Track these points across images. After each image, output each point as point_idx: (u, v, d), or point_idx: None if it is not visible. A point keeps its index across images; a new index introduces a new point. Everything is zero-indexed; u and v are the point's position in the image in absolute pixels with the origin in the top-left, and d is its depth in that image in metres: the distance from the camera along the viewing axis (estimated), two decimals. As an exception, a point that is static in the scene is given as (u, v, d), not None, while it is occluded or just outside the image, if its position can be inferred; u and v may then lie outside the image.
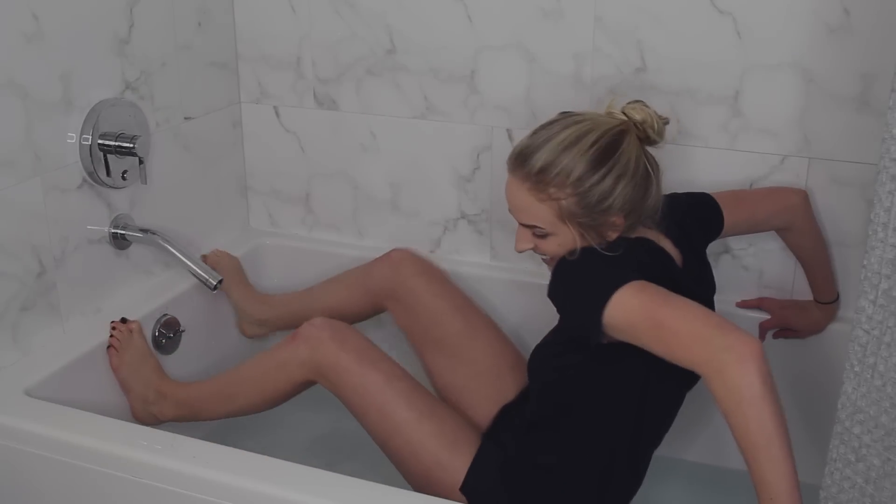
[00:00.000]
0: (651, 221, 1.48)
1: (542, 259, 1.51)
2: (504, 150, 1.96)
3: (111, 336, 1.73)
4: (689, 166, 1.84)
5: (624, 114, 1.46)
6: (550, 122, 1.47)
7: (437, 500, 1.29)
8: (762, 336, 1.83)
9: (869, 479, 1.14)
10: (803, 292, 1.84)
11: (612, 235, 1.43)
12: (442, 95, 1.98)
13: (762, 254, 1.85)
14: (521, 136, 1.92)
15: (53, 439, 1.45)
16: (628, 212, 1.42)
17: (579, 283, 1.40)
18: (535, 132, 1.46)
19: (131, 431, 1.45)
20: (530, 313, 1.99)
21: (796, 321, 1.81)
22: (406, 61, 1.99)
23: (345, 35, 2.02)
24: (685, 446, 1.93)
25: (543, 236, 1.45)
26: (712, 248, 1.87)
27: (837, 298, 1.79)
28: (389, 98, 2.03)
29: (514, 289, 2.00)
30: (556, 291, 1.42)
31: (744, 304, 1.85)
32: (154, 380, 1.73)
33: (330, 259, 2.15)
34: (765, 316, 1.84)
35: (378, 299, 1.86)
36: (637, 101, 1.48)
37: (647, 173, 1.43)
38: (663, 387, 1.47)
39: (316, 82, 2.09)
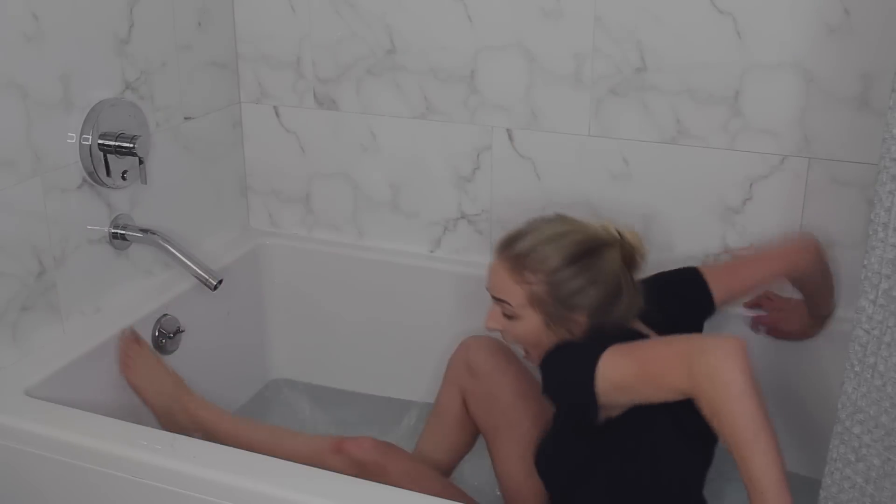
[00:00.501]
0: (622, 322, 1.50)
1: (521, 355, 1.58)
2: (504, 150, 1.97)
3: (122, 352, 1.72)
4: (689, 166, 1.84)
5: (618, 232, 1.51)
6: (545, 219, 1.55)
7: (438, 501, 1.29)
8: (755, 327, 1.83)
9: (869, 479, 1.14)
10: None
11: (576, 333, 1.48)
12: (442, 95, 1.98)
13: (762, 254, 1.85)
14: (521, 135, 1.94)
15: (53, 439, 1.45)
16: (593, 314, 1.47)
17: (564, 367, 1.42)
18: (528, 223, 1.55)
19: (131, 431, 1.45)
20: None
21: (788, 325, 1.80)
22: (406, 61, 1.99)
23: (345, 35, 2.02)
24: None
25: (511, 317, 1.51)
26: (711, 249, 1.88)
27: (834, 310, 1.79)
28: (389, 98, 2.03)
29: (514, 289, 2.00)
30: (549, 385, 1.43)
31: (747, 305, 1.84)
32: (182, 399, 1.71)
33: (330, 259, 2.15)
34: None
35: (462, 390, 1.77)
36: (634, 232, 1.53)
37: (619, 288, 1.48)
38: (675, 451, 1.46)
39: (316, 82, 2.09)
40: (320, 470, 1.37)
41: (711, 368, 1.24)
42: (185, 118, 1.98)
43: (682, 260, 1.89)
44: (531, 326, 1.49)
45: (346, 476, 1.38)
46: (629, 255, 1.50)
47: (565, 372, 1.41)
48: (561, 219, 1.55)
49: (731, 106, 1.78)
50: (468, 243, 2.07)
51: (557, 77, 1.88)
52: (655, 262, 1.91)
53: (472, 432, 1.76)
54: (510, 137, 1.96)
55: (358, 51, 2.02)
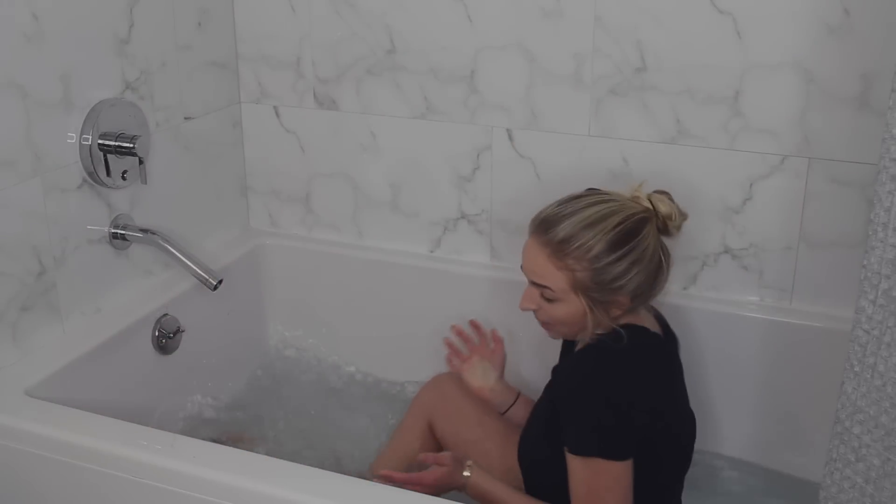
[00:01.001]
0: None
1: (541, 322, 1.57)
2: (504, 150, 1.96)
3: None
4: (689, 166, 1.84)
5: (650, 202, 1.52)
6: (578, 197, 1.53)
7: (436, 500, 1.29)
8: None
9: (869, 479, 1.14)
10: (803, 293, 1.84)
11: (616, 313, 1.49)
12: (442, 95, 1.98)
13: (762, 254, 1.85)
14: (521, 135, 1.94)
15: (53, 439, 1.45)
16: (636, 295, 1.48)
17: (601, 422, 1.43)
18: (561, 202, 1.52)
19: (131, 431, 1.45)
20: (530, 313, 1.99)
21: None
22: (406, 61, 1.99)
23: (345, 35, 2.02)
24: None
25: (552, 300, 1.51)
26: (711, 250, 1.88)
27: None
28: (389, 98, 2.03)
29: (514, 289, 1.99)
30: (579, 412, 1.46)
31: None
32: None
33: (330, 259, 2.15)
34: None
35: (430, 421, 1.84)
36: (664, 193, 1.54)
37: (660, 263, 1.50)
38: (657, 460, 1.51)
39: (316, 82, 2.09)
40: (320, 470, 1.37)
41: None
42: (185, 118, 1.98)
43: (682, 260, 1.90)
44: (572, 309, 1.49)
45: (346, 476, 1.38)
46: (664, 225, 1.51)
47: (591, 417, 1.44)
48: (595, 195, 1.53)
49: (731, 106, 1.78)
50: (468, 243, 2.07)
51: (557, 77, 1.88)
52: (655, 262, 1.91)
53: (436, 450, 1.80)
54: (510, 137, 1.96)
55: (358, 51, 2.02)
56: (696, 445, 1.92)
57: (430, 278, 2.07)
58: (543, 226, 1.50)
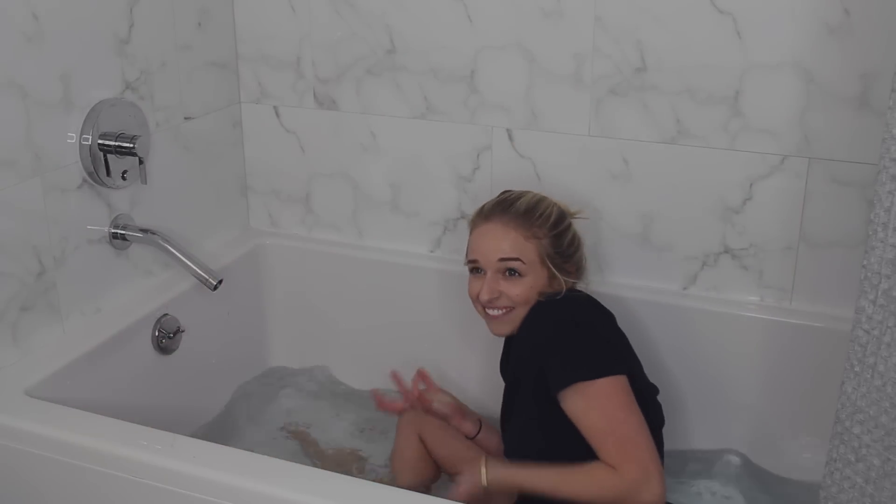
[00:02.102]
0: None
1: (492, 313, 1.61)
2: (504, 150, 1.96)
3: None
4: (689, 166, 1.84)
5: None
6: (507, 191, 1.69)
7: (435, 500, 1.29)
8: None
9: (869, 479, 1.14)
10: (803, 293, 1.84)
11: (567, 284, 1.62)
12: (442, 95, 1.98)
13: (762, 254, 1.85)
14: (521, 135, 1.94)
15: (53, 439, 1.45)
16: (578, 267, 1.66)
17: (566, 347, 1.51)
18: (500, 195, 1.68)
19: (131, 431, 1.45)
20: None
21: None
22: (406, 61, 1.99)
23: (345, 35, 2.02)
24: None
25: (517, 275, 1.58)
26: (711, 249, 1.88)
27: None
28: (389, 98, 2.03)
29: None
30: (556, 344, 1.52)
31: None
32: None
33: (330, 259, 2.15)
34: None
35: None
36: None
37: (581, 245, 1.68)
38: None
39: (316, 82, 2.09)
40: (320, 470, 1.37)
41: (634, 488, 1.39)
42: (185, 118, 1.98)
43: (682, 260, 1.90)
44: (535, 282, 1.59)
45: (346, 476, 1.38)
46: None
47: (570, 350, 1.51)
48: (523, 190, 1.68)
49: (731, 106, 1.78)
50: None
51: (557, 77, 1.88)
52: (656, 263, 1.92)
53: (434, 464, 1.83)
54: (510, 137, 1.96)
55: (358, 51, 2.02)
56: (696, 445, 1.93)
57: (430, 278, 2.07)
58: (501, 207, 1.62)
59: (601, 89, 1.85)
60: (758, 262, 1.86)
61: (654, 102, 1.83)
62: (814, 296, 1.84)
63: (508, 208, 1.61)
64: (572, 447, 1.46)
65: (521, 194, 1.65)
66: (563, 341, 1.52)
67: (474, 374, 2.03)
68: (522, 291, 1.58)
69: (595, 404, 1.45)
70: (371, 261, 2.12)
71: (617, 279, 1.96)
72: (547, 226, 1.60)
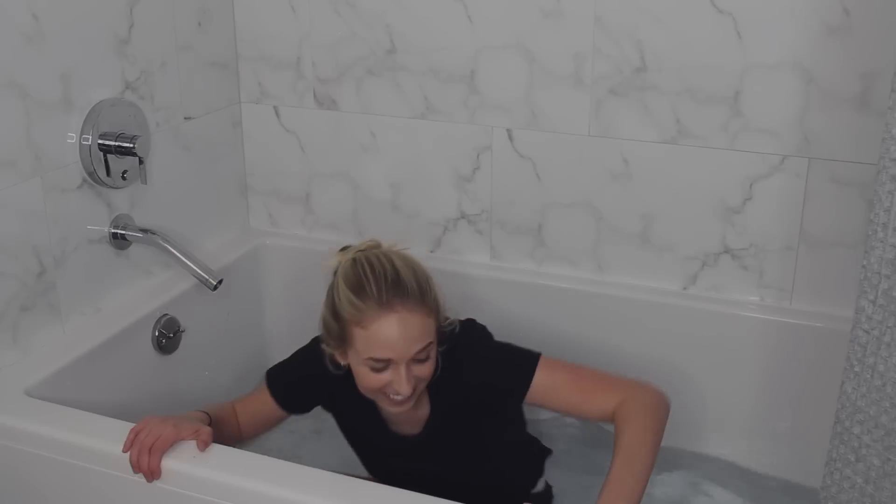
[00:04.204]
0: None
1: (397, 398, 1.44)
2: (504, 150, 1.96)
3: None
4: (689, 166, 1.84)
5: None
6: (373, 254, 1.47)
7: (434, 500, 1.29)
8: None
9: (869, 479, 1.14)
10: (803, 293, 1.84)
11: (447, 322, 1.51)
12: (442, 95, 1.98)
13: (762, 254, 1.85)
14: (521, 135, 1.94)
15: (53, 439, 1.45)
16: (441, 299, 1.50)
17: (505, 351, 1.54)
18: (367, 266, 1.44)
19: (131, 431, 1.45)
20: (530, 313, 1.99)
21: None
22: (406, 61, 1.99)
23: (345, 35, 2.02)
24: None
25: (426, 359, 1.44)
26: (711, 249, 1.88)
27: None
28: (389, 98, 2.03)
29: (514, 289, 2.00)
30: (489, 357, 1.53)
31: None
32: None
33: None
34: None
35: None
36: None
37: None
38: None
39: (316, 82, 2.09)
40: (320, 470, 1.37)
41: (643, 392, 1.46)
42: (185, 118, 1.98)
43: (682, 260, 1.90)
44: (434, 356, 1.46)
45: (346, 476, 1.38)
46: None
47: (508, 354, 1.53)
48: (375, 247, 1.50)
49: (731, 106, 1.78)
50: (468, 243, 2.07)
51: (557, 77, 1.88)
52: (656, 263, 1.92)
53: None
54: (510, 137, 1.96)
55: (358, 51, 2.02)
56: (696, 445, 1.93)
57: (430, 278, 2.07)
58: (396, 290, 1.40)
59: (601, 89, 1.85)
60: (758, 262, 1.86)
61: (654, 102, 1.83)
62: (814, 296, 1.84)
63: (402, 290, 1.40)
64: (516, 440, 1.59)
65: (389, 264, 1.43)
66: (500, 348, 1.54)
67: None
68: (431, 366, 1.45)
69: (558, 376, 1.51)
70: (371, 261, 2.12)
71: (617, 279, 1.96)
72: (433, 290, 1.45)
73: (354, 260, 1.46)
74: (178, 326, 1.90)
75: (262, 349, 2.23)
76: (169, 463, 1.37)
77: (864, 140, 1.70)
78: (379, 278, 1.41)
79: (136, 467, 1.36)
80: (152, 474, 1.35)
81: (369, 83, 2.04)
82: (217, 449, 1.41)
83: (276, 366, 1.69)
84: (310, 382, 1.62)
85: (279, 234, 2.24)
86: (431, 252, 2.11)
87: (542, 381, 1.50)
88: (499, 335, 2.00)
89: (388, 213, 2.12)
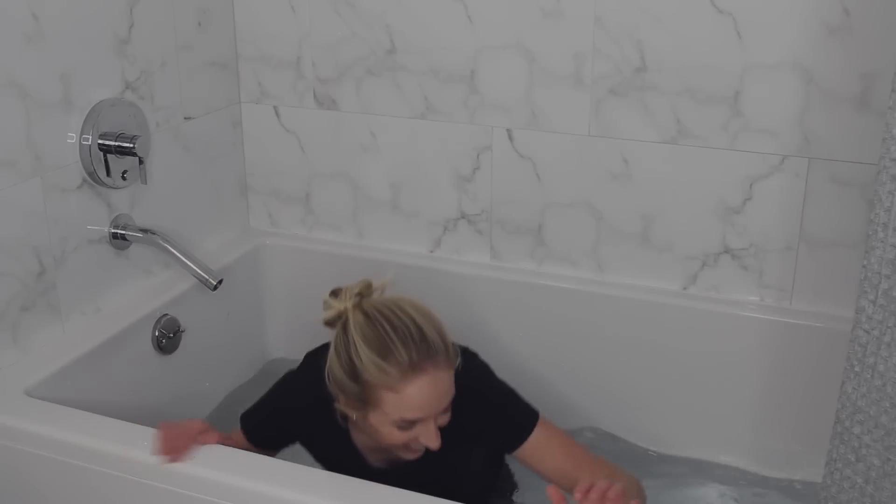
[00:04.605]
0: None
1: (414, 447, 1.42)
2: (504, 150, 1.96)
3: None
4: (689, 166, 1.84)
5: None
6: (387, 320, 1.39)
7: (434, 500, 1.29)
8: None
9: (869, 479, 1.14)
10: (803, 293, 1.84)
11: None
12: (442, 95, 1.98)
13: (762, 254, 1.85)
14: (521, 135, 1.94)
15: (53, 439, 1.45)
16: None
17: (505, 407, 1.52)
18: (395, 331, 1.37)
19: (131, 431, 1.45)
20: (530, 313, 1.99)
21: None
22: (406, 61, 1.99)
23: (345, 35, 2.02)
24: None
25: (448, 409, 1.42)
26: (711, 249, 1.88)
27: None
28: (389, 98, 2.03)
29: (514, 289, 2.00)
30: (485, 417, 1.49)
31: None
32: None
33: (330, 259, 2.15)
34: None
35: None
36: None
37: None
38: None
39: (316, 82, 2.09)
40: (320, 470, 1.37)
41: (637, 484, 1.47)
42: (185, 118, 1.98)
43: (682, 260, 1.90)
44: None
45: (346, 476, 1.38)
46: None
47: (510, 409, 1.52)
48: (368, 288, 1.47)
49: (731, 106, 1.78)
50: (468, 243, 2.07)
51: (557, 77, 1.88)
52: (656, 263, 1.92)
53: None
54: (510, 137, 1.96)
55: (358, 51, 2.02)
56: (696, 445, 1.93)
57: (430, 278, 2.07)
58: (424, 352, 1.36)
59: (601, 89, 1.85)
60: (758, 262, 1.86)
61: (654, 102, 1.83)
62: (814, 296, 1.84)
63: (431, 350, 1.36)
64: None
65: (409, 320, 1.38)
66: (497, 406, 1.51)
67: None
68: (450, 412, 1.42)
69: (555, 438, 1.49)
70: (371, 261, 2.12)
71: (617, 279, 1.96)
72: (450, 338, 1.41)
73: (368, 316, 1.39)
74: (178, 326, 1.90)
75: (262, 349, 2.23)
76: (169, 463, 1.38)
77: (864, 140, 1.70)
78: (406, 340, 1.36)
79: (165, 451, 1.37)
80: (176, 452, 1.37)
81: (369, 83, 2.04)
82: (217, 449, 1.41)
83: (249, 408, 1.62)
84: (282, 419, 1.57)
85: (279, 234, 2.24)
86: (431, 252, 2.11)
87: (537, 441, 1.48)
88: (499, 335, 2.01)
89: (388, 213, 2.12)
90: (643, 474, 1.89)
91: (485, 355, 2.04)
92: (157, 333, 1.86)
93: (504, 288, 2.01)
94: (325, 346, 1.51)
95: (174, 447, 1.38)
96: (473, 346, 2.03)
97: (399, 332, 1.37)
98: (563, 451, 1.49)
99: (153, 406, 1.83)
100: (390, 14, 1.96)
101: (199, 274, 1.81)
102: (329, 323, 1.45)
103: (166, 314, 1.88)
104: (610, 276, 1.97)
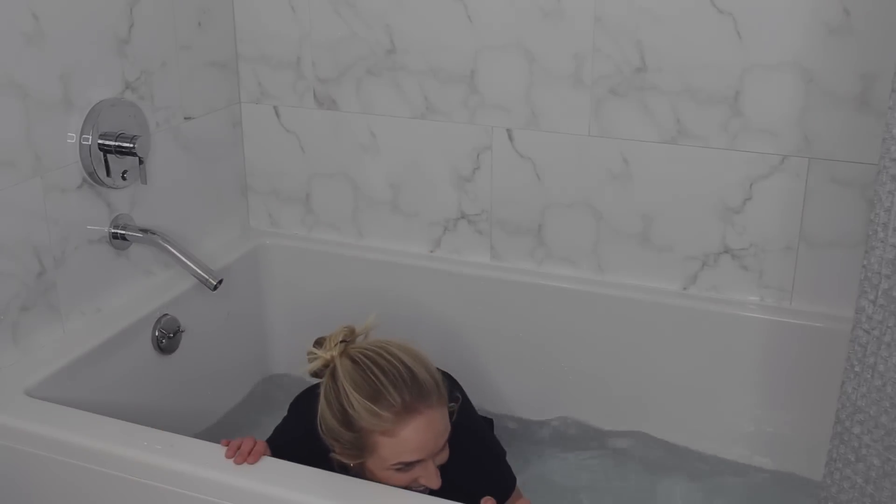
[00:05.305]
0: None
1: (415, 488, 1.40)
2: (504, 150, 1.96)
3: None
4: (689, 166, 1.84)
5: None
6: (375, 364, 1.38)
7: (434, 500, 1.29)
8: None
9: (869, 479, 1.14)
10: (803, 293, 1.84)
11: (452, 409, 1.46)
12: (442, 95, 1.98)
13: (762, 254, 1.85)
14: (521, 135, 1.94)
15: (53, 439, 1.45)
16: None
17: (491, 471, 1.55)
18: (385, 375, 1.36)
19: (131, 431, 1.45)
20: (529, 313, 1.99)
21: None
22: (406, 61, 1.99)
23: (345, 35, 2.02)
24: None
25: (445, 446, 1.41)
26: (711, 249, 1.88)
27: None
28: (389, 98, 2.03)
29: (514, 289, 2.00)
30: (472, 476, 1.48)
31: None
32: None
33: (330, 259, 2.15)
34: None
35: None
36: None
37: None
38: None
39: (316, 82, 2.09)
40: (320, 470, 1.37)
41: None
42: (185, 118, 1.98)
43: (682, 260, 1.90)
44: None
45: (346, 476, 1.38)
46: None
47: (495, 473, 1.56)
48: (352, 334, 1.46)
49: (731, 106, 1.78)
50: (468, 243, 2.07)
51: (557, 77, 1.88)
52: (656, 263, 1.92)
53: None
54: (510, 137, 1.96)
55: (358, 51, 2.02)
56: (696, 445, 1.93)
57: (430, 278, 2.07)
58: (417, 392, 1.36)
59: (601, 89, 1.85)
60: (758, 262, 1.86)
61: (654, 102, 1.83)
62: (814, 296, 1.84)
63: (422, 390, 1.36)
64: None
65: (399, 363, 1.38)
66: (485, 468, 1.53)
67: (474, 373, 2.03)
68: (447, 449, 1.42)
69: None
70: (371, 261, 2.12)
71: (617, 279, 1.96)
72: (439, 376, 1.41)
73: (356, 362, 1.39)
74: (178, 326, 1.90)
75: (262, 349, 2.23)
76: (169, 463, 1.38)
77: (864, 140, 1.70)
78: (397, 382, 1.35)
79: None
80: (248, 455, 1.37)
81: (369, 83, 2.04)
82: (217, 449, 1.41)
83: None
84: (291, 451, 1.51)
85: (279, 234, 2.24)
86: (431, 252, 2.11)
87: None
88: (499, 335, 2.01)
89: (388, 213, 2.12)
90: (644, 473, 1.90)
91: (485, 355, 2.05)
92: (157, 333, 1.86)
93: (504, 288, 2.01)
94: (309, 391, 1.49)
95: (243, 452, 1.38)
96: (474, 347, 2.04)
97: (389, 375, 1.36)
98: None
99: (153, 406, 1.83)
100: (390, 14, 1.96)
101: (199, 274, 1.81)
102: (316, 373, 1.44)
103: (166, 314, 1.88)
104: (610, 276, 1.97)
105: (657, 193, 1.88)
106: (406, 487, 1.39)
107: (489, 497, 1.41)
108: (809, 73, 1.71)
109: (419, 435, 1.35)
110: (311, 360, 1.43)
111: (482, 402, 1.94)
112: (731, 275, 1.88)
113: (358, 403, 1.34)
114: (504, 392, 2.05)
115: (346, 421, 1.37)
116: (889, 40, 1.63)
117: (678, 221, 1.88)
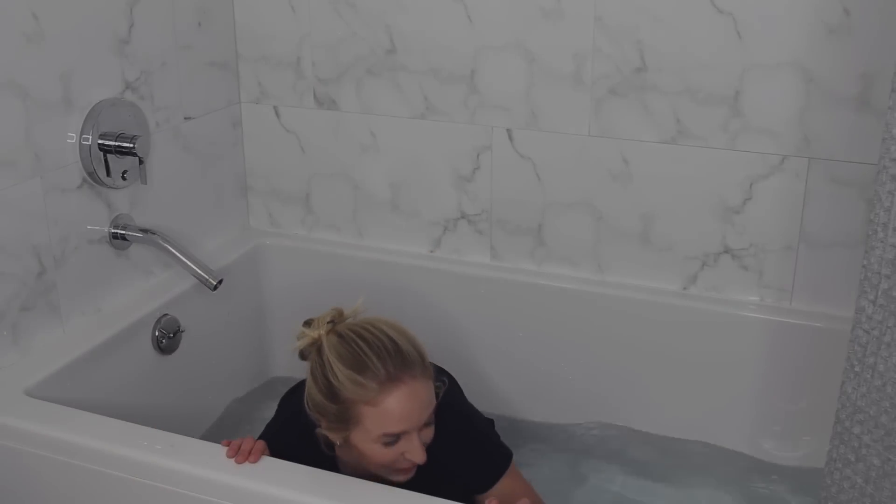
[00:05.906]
0: None
1: (403, 469, 1.42)
2: (504, 150, 1.96)
3: None
4: (689, 166, 1.84)
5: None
6: (360, 337, 1.40)
7: (436, 500, 1.29)
8: None
9: (869, 479, 1.14)
10: (803, 293, 1.84)
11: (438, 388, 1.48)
12: (442, 95, 1.98)
13: (762, 254, 1.85)
14: (521, 135, 1.94)
15: (53, 439, 1.45)
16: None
17: (481, 447, 1.55)
18: (369, 347, 1.39)
19: (131, 431, 1.45)
20: (529, 313, 1.99)
21: None
22: (406, 61, 1.99)
23: (345, 35, 2.02)
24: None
25: (431, 422, 1.42)
26: (711, 249, 1.88)
27: None
28: (389, 98, 2.03)
29: (514, 289, 2.00)
30: (461, 456, 1.50)
31: None
32: None
33: (330, 259, 2.15)
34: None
35: None
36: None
37: None
38: None
39: (316, 82, 2.09)
40: (320, 470, 1.37)
41: None
42: (185, 118, 1.98)
43: (682, 260, 1.90)
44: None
45: (346, 476, 1.38)
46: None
47: (485, 449, 1.56)
48: (341, 315, 1.46)
49: (731, 106, 1.78)
50: (468, 243, 2.07)
51: (557, 77, 1.88)
52: (656, 263, 1.92)
53: None
54: (510, 137, 1.96)
55: (358, 51, 2.02)
56: (696, 445, 1.93)
57: (430, 278, 2.07)
58: (400, 362, 1.38)
59: (601, 89, 1.85)
60: (758, 262, 1.86)
61: (654, 102, 1.83)
62: (814, 296, 1.84)
63: (406, 360, 1.38)
64: None
65: (383, 335, 1.40)
66: (473, 446, 1.52)
67: (474, 373, 2.03)
68: (433, 427, 1.43)
69: (521, 484, 1.52)
70: (371, 261, 2.12)
71: (617, 279, 1.96)
72: (425, 351, 1.43)
73: (342, 336, 1.40)
74: (178, 326, 1.90)
75: (262, 349, 2.23)
76: (169, 463, 1.38)
77: (864, 140, 1.70)
78: (381, 353, 1.37)
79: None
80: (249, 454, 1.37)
81: (369, 83, 2.04)
82: (217, 449, 1.41)
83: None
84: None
85: (279, 234, 2.24)
86: (431, 252, 2.11)
87: (505, 487, 1.51)
88: (499, 335, 2.01)
89: (388, 213, 2.12)
90: (643, 474, 1.90)
91: (484, 356, 2.05)
92: (157, 333, 1.86)
93: (504, 288, 2.01)
94: (296, 388, 1.51)
95: (244, 451, 1.38)
96: (474, 347, 2.04)
97: (373, 346, 1.38)
98: (530, 496, 1.50)
99: (153, 406, 1.83)
100: (390, 14, 1.96)
101: (199, 274, 1.81)
102: (304, 352, 1.45)
103: (166, 314, 1.88)
104: (610, 276, 1.97)
105: (657, 193, 1.88)
106: (390, 466, 1.41)
107: (494, 497, 1.41)
108: (809, 73, 1.71)
109: (403, 404, 1.36)
110: (298, 339, 1.45)
111: (481, 401, 1.94)
112: (731, 275, 1.88)
113: (342, 374, 1.36)
114: (504, 392, 2.05)
115: (332, 393, 1.38)
116: (889, 40, 1.63)
117: (678, 221, 1.88)
